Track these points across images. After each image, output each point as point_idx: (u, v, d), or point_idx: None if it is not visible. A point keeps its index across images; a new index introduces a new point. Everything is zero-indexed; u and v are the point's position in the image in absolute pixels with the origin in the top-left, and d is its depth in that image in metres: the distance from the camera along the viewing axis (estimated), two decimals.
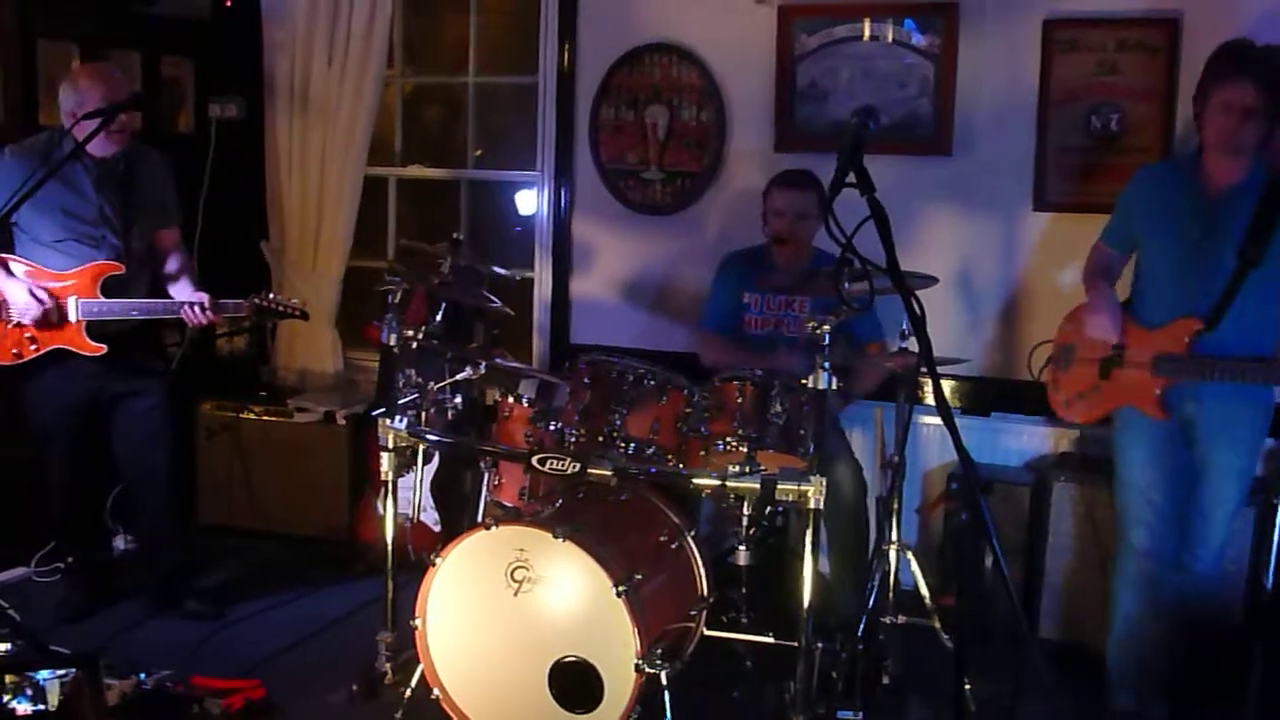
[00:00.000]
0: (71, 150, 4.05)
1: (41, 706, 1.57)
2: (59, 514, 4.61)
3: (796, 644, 3.42)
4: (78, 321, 4.22)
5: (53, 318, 4.17)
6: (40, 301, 4.12)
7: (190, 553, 4.82)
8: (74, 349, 4.24)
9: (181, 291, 4.44)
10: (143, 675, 3.59)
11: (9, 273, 4.18)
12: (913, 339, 3.96)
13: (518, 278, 5.24)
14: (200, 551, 5.01)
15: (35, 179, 3.95)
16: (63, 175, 4.09)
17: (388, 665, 3.87)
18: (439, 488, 4.98)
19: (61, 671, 1.59)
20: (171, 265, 4.51)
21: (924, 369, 2.44)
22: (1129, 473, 3.81)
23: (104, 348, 4.24)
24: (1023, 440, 4.83)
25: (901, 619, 4.04)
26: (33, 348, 4.22)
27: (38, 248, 4.22)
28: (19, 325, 4.18)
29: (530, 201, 5.61)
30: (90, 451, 4.55)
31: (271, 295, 4.48)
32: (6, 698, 1.56)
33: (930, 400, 4.11)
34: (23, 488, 4.71)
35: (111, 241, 4.28)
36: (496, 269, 4.74)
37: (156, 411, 4.50)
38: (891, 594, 4.04)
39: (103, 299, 4.23)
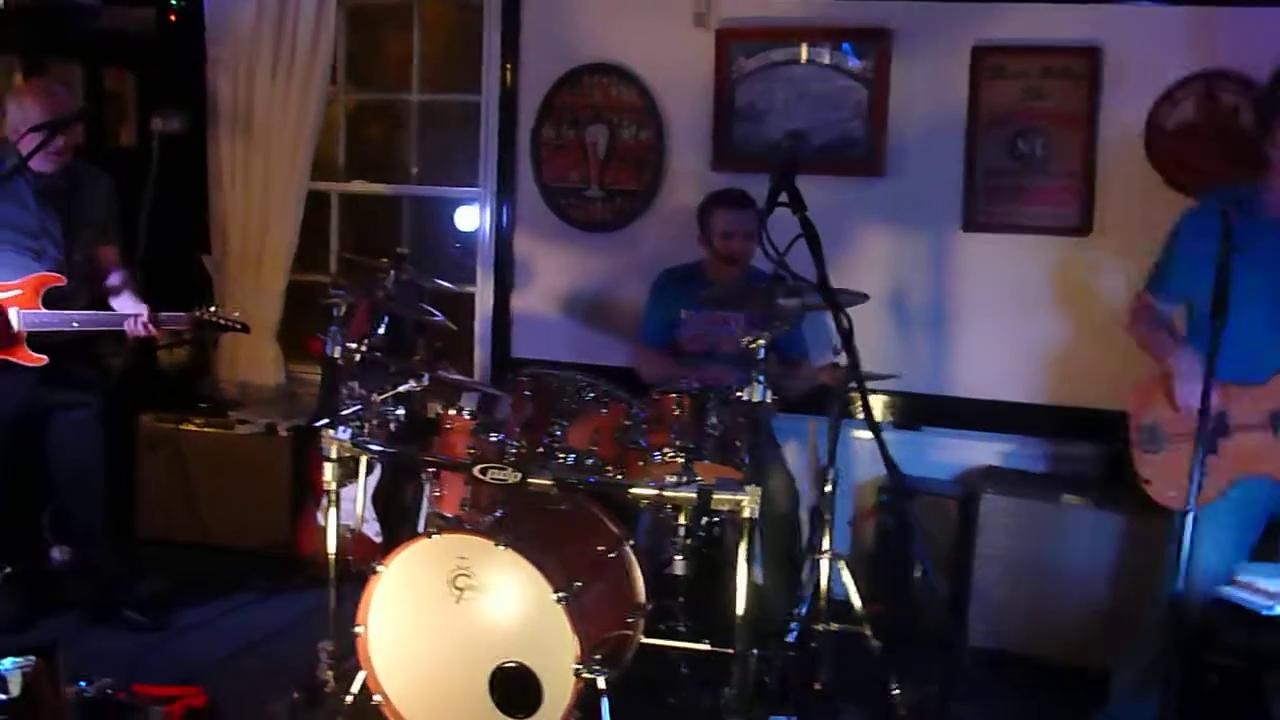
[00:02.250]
0: (13, 166, 4.08)
1: (3, 696, 1.62)
2: None
3: (732, 651, 3.50)
4: (19, 332, 4.22)
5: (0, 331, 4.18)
6: None
7: (129, 563, 4.81)
8: (15, 360, 4.25)
9: (124, 305, 4.46)
10: (83, 684, 3.60)
11: None
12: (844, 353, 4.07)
13: (460, 292, 5.31)
14: (140, 563, 5.01)
15: None
16: (5, 187, 4.13)
17: (329, 673, 3.89)
18: (380, 499, 5.02)
19: (23, 660, 1.64)
20: (114, 279, 4.54)
21: (854, 380, 2.55)
22: (1216, 553, 3.42)
23: (45, 359, 4.26)
24: (951, 454, 4.97)
25: (834, 626, 4.13)
26: None
27: None
28: None
29: (471, 218, 5.67)
30: (25, 463, 4.53)
31: (213, 309, 4.52)
32: None
33: (859, 414, 4.23)
34: None
35: (52, 254, 4.30)
36: (439, 283, 4.80)
37: (93, 423, 4.50)
38: (824, 602, 4.13)
39: (44, 310, 4.24)
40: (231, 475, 5.42)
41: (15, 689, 1.65)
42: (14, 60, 5.15)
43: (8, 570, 4.66)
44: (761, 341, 3.39)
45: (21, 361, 4.25)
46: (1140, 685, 3.65)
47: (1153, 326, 3.59)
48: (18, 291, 4.23)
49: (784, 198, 2.43)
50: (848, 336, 2.34)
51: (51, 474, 4.56)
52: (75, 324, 4.29)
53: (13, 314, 4.21)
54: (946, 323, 4.99)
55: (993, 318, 4.94)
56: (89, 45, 5.52)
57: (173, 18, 5.79)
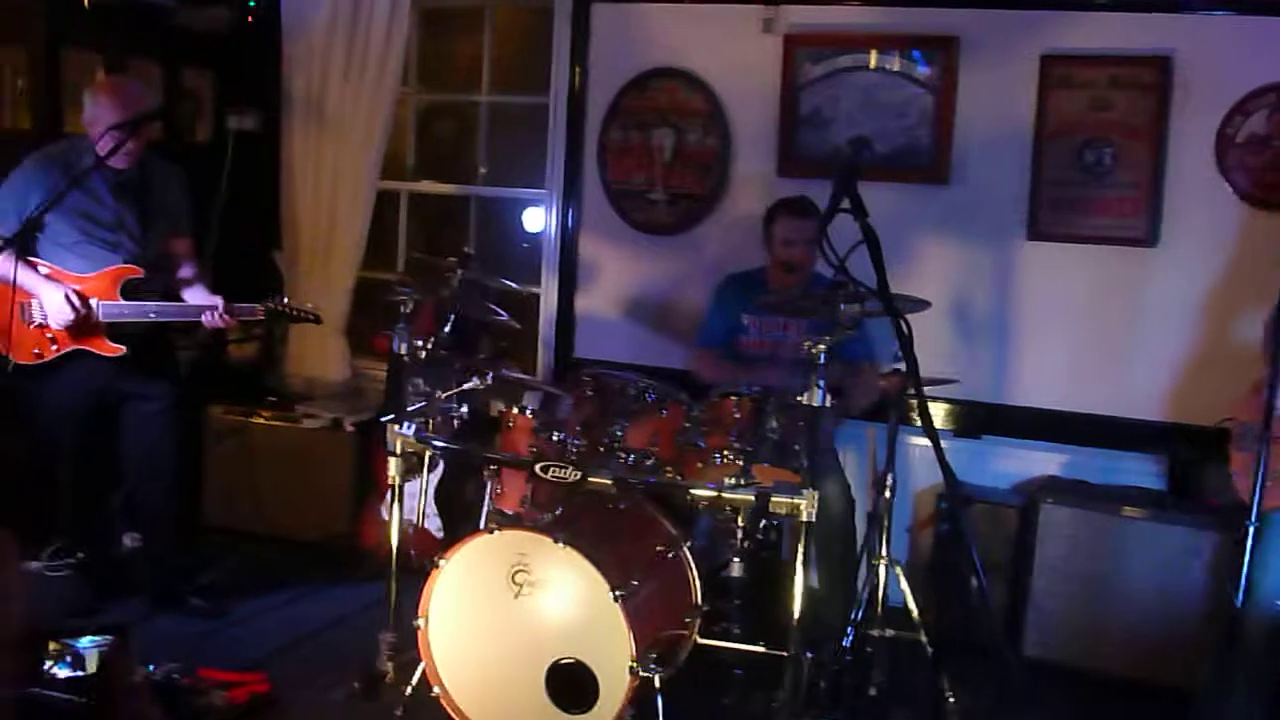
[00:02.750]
0: (93, 164, 4.19)
1: (80, 673, 1.69)
2: (67, 511, 4.70)
3: (785, 654, 3.53)
4: (99, 323, 4.32)
5: (81, 322, 4.27)
6: (74, 308, 4.22)
7: (192, 551, 4.94)
8: (94, 350, 4.35)
9: (196, 297, 4.57)
10: (151, 667, 3.68)
11: (42, 276, 4.28)
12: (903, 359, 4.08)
13: (525, 292, 5.37)
14: (205, 552, 5.12)
15: (56, 186, 4.12)
16: (92, 184, 4.23)
17: (389, 664, 3.97)
18: (442, 495, 5.09)
19: (100, 639, 1.71)
20: (185, 271, 4.64)
21: (915, 387, 2.57)
22: None
23: (124, 349, 4.36)
24: (1012, 463, 4.95)
25: (889, 632, 4.14)
26: (53, 348, 4.32)
27: (56, 249, 4.31)
28: (40, 326, 4.28)
29: (537, 219, 5.73)
30: (98, 450, 4.65)
31: (285, 300, 4.62)
32: (49, 663, 1.67)
33: (919, 421, 4.23)
34: (34, 484, 4.83)
35: (128, 246, 4.39)
36: (504, 282, 4.86)
37: (165, 414, 4.60)
38: (879, 608, 4.15)
39: (123, 301, 4.34)
40: (297, 468, 5.51)
41: (91, 666, 1.71)
42: (95, 58, 5.27)
43: (80, 556, 4.78)
44: (822, 346, 3.42)
45: (100, 351, 4.35)
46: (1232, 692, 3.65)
47: None
48: (97, 283, 4.32)
49: (846, 204, 2.45)
50: (907, 343, 2.36)
51: (122, 461, 4.67)
52: (153, 315, 4.39)
53: (93, 305, 4.31)
54: (1009, 332, 4.97)
55: (1056, 328, 4.91)
56: (168, 44, 5.65)
57: (250, 18, 5.89)
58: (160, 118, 4.41)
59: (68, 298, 4.22)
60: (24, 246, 4.26)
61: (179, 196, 4.63)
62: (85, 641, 1.71)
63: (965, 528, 2.25)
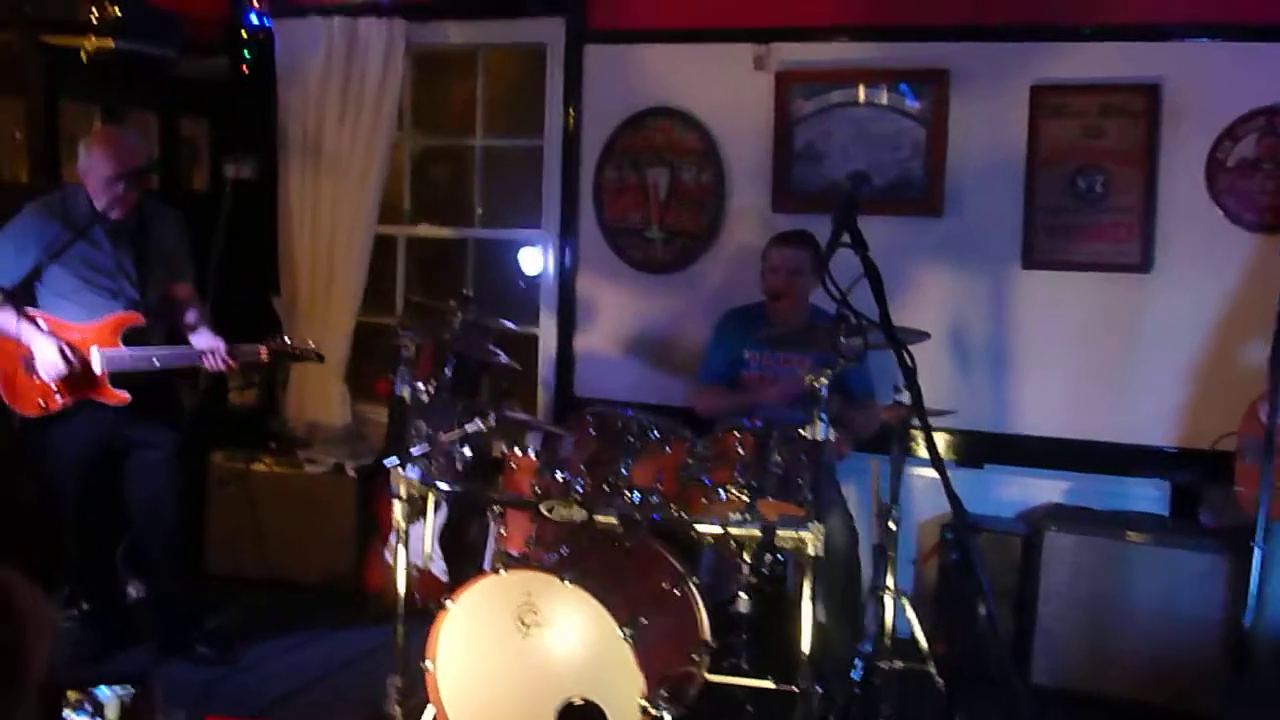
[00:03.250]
0: (92, 216, 4.22)
1: (98, 717, 1.70)
2: (71, 559, 4.69)
3: (795, 688, 3.52)
4: (103, 372, 4.32)
5: (77, 374, 4.27)
6: (68, 360, 4.22)
7: (198, 598, 4.91)
8: (99, 399, 4.35)
9: (200, 340, 4.57)
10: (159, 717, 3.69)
11: (37, 328, 4.28)
12: (906, 392, 4.10)
13: (524, 333, 5.40)
14: (210, 598, 5.11)
15: (53, 236, 4.15)
16: (79, 228, 4.24)
17: (398, 708, 3.94)
18: (446, 538, 5.08)
19: (120, 689, 1.71)
20: (189, 317, 4.64)
21: (917, 418, 2.58)
22: None
23: (129, 396, 4.36)
24: (1014, 491, 4.97)
25: (897, 664, 4.14)
26: (58, 399, 4.32)
27: (55, 299, 4.33)
28: (44, 379, 4.28)
29: (534, 259, 5.76)
30: (102, 499, 4.64)
31: (287, 339, 4.65)
32: (68, 711, 1.68)
33: (924, 452, 4.24)
34: (38, 533, 4.83)
35: (129, 293, 4.40)
36: (504, 323, 4.89)
37: (168, 462, 4.60)
38: (888, 640, 4.15)
39: (124, 349, 4.35)
40: (300, 513, 5.51)
41: (113, 715, 1.72)
42: (93, 109, 5.31)
43: (85, 606, 4.78)
44: (824, 380, 3.43)
45: (105, 400, 4.35)
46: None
47: None
48: (97, 332, 4.33)
49: (846, 238, 2.48)
50: (911, 374, 2.38)
51: (126, 509, 4.67)
52: (155, 361, 4.39)
53: (94, 354, 4.31)
54: (1007, 360, 4.99)
55: (1054, 355, 4.94)
56: (165, 94, 5.69)
57: (245, 68, 5.94)
58: (155, 170, 4.41)
59: (61, 350, 4.22)
60: (22, 297, 4.29)
61: (178, 240, 4.64)
62: (105, 691, 1.71)
63: (974, 557, 2.26)
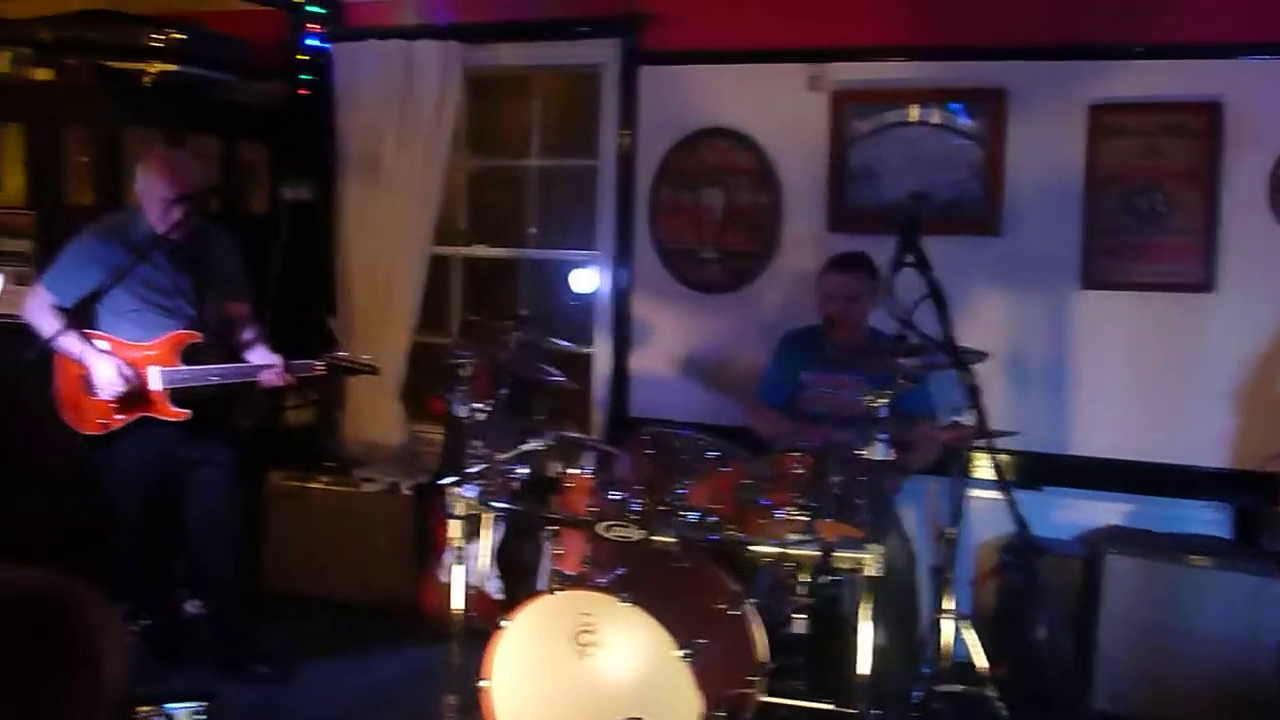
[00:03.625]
0: (151, 239, 4.26)
1: None
2: (131, 577, 4.73)
3: (853, 711, 3.50)
4: (162, 390, 4.38)
5: (135, 392, 4.33)
6: (125, 379, 4.28)
7: (256, 617, 4.94)
8: (158, 416, 4.40)
9: (256, 357, 4.61)
10: None
11: (95, 348, 4.34)
12: (966, 413, 4.08)
13: (578, 352, 5.41)
14: (266, 617, 5.14)
15: (112, 258, 4.20)
16: (139, 250, 4.27)
17: None
18: (501, 557, 5.09)
19: (193, 705, 1.73)
20: (246, 335, 4.69)
21: (980, 439, 2.56)
22: None
23: (188, 413, 4.40)
24: (1074, 514, 4.91)
25: (956, 687, 4.10)
26: (118, 418, 4.38)
27: (114, 319, 4.38)
28: (103, 398, 4.33)
29: (588, 279, 5.77)
30: (162, 517, 4.68)
31: (342, 354, 4.69)
32: None
33: (981, 474, 4.21)
34: (97, 551, 4.88)
35: (186, 311, 4.45)
36: (559, 343, 4.90)
37: (228, 478, 4.65)
38: (946, 663, 4.11)
39: (183, 367, 4.40)
40: (355, 532, 5.54)
41: None
42: (155, 134, 5.38)
43: (143, 623, 4.82)
44: (883, 401, 3.42)
45: (164, 417, 4.40)
46: None
47: None
48: (157, 350, 4.39)
49: (910, 258, 2.46)
50: (975, 394, 2.36)
51: (186, 527, 4.70)
52: (214, 378, 4.43)
53: (153, 372, 4.36)
54: (1066, 381, 4.95)
55: (1114, 376, 4.89)
56: (225, 118, 5.75)
57: (303, 91, 6.01)
58: (213, 193, 4.46)
59: (119, 369, 4.28)
60: (81, 318, 4.33)
61: (234, 261, 4.70)
62: (176, 707, 1.73)
63: (1039, 580, 2.23)
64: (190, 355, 4.43)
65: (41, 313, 4.39)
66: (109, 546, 4.62)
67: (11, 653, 1.37)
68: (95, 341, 4.37)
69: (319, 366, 4.58)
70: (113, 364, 4.29)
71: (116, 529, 4.61)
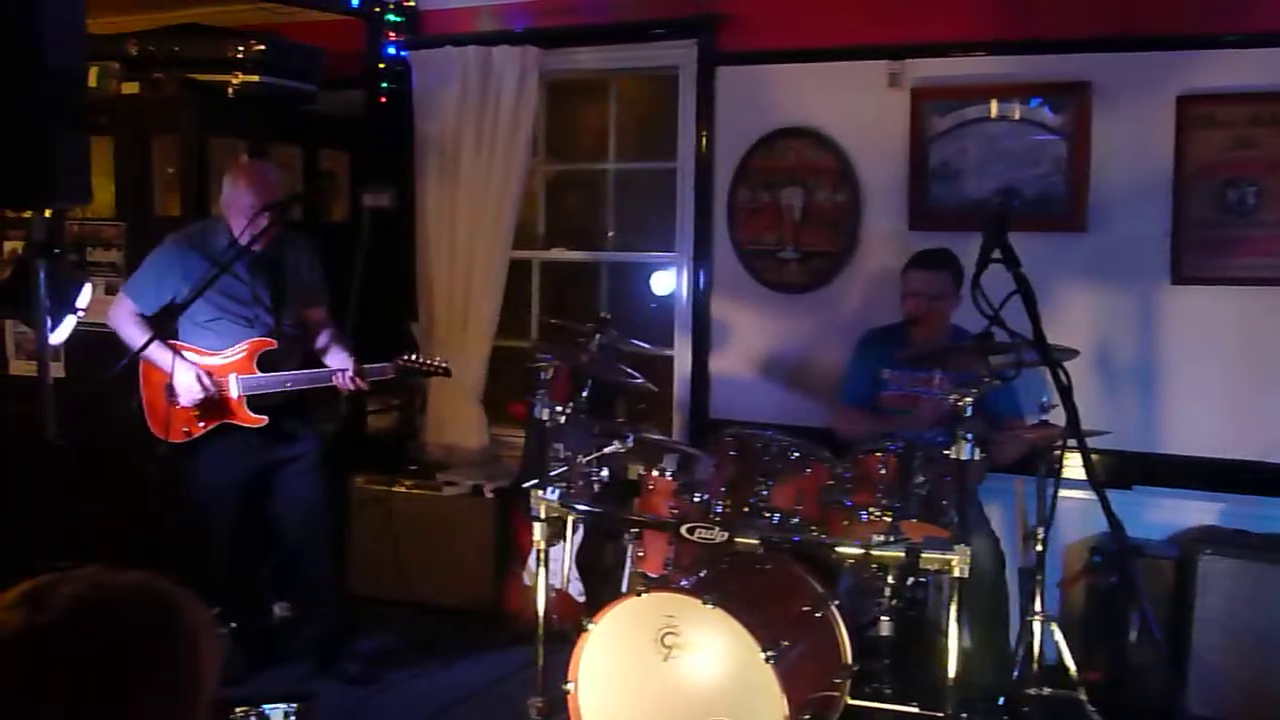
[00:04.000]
0: (233, 249, 4.29)
1: None
2: (222, 580, 4.80)
3: (940, 714, 3.46)
4: (239, 397, 4.46)
5: (215, 400, 4.42)
6: (204, 387, 4.37)
7: (350, 615, 4.99)
8: (238, 422, 4.48)
9: (333, 361, 4.67)
10: None
11: (177, 356, 4.41)
12: (1053, 411, 4.01)
13: (658, 354, 5.41)
14: (352, 620, 5.19)
15: (194, 267, 4.28)
16: (220, 260, 4.30)
17: None
18: (582, 560, 5.10)
19: (286, 706, 1.75)
20: (322, 340, 4.76)
21: (1070, 438, 2.51)
22: None
23: (265, 419, 4.49)
24: (1165, 514, 4.80)
25: (1046, 691, 4.04)
26: (201, 425, 4.47)
27: (195, 328, 4.47)
28: (186, 405, 4.42)
29: (667, 281, 5.77)
30: (250, 520, 4.74)
31: (414, 356, 4.72)
32: None
33: (1069, 473, 4.14)
34: (186, 555, 4.96)
35: (264, 320, 4.53)
36: (639, 345, 4.89)
37: (312, 476, 4.71)
38: (1035, 666, 4.05)
39: (260, 373, 4.48)
40: (438, 535, 5.59)
41: None
42: (240, 144, 5.47)
43: (232, 625, 4.89)
44: (968, 400, 3.38)
45: (243, 423, 4.48)
46: None
47: None
48: (235, 358, 4.47)
49: (997, 254, 2.42)
50: (1066, 393, 2.32)
51: (280, 527, 4.75)
52: (288, 384, 4.51)
53: (231, 380, 4.45)
54: (1157, 378, 4.85)
55: (1206, 372, 4.78)
56: (307, 128, 5.83)
57: (382, 99, 6.07)
58: (297, 202, 4.51)
59: (199, 377, 4.37)
60: (164, 327, 4.40)
61: (311, 267, 4.75)
62: (272, 708, 1.75)
63: (1136, 582, 2.19)
64: (267, 362, 4.51)
65: (126, 321, 4.50)
66: (198, 551, 4.69)
67: (118, 652, 1.38)
68: (183, 353, 4.45)
69: (389, 370, 4.64)
70: (193, 372, 4.38)
71: (207, 534, 4.68)
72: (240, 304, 4.49)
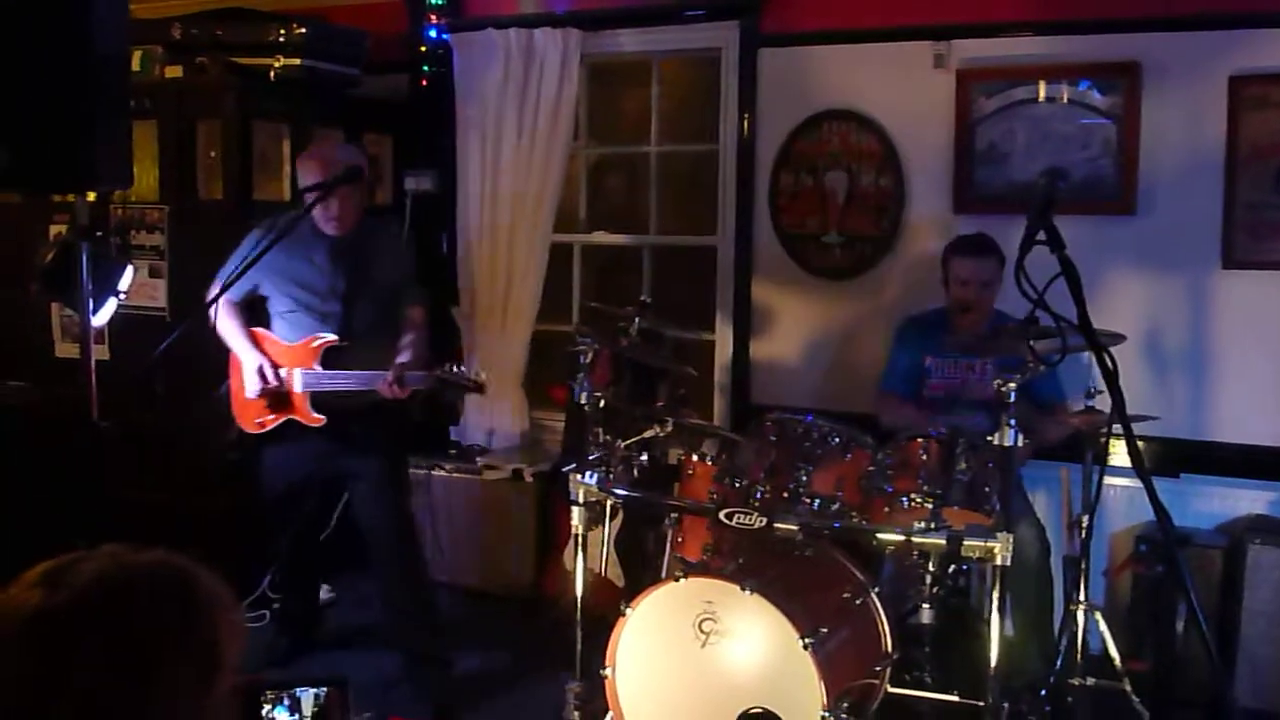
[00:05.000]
0: (294, 217, 4.22)
1: (297, 716, 1.74)
2: (278, 564, 4.80)
3: (982, 704, 3.42)
4: (303, 393, 4.31)
5: (281, 394, 4.29)
6: (264, 379, 4.26)
7: (443, 644, 4.66)
8: (300, 420, 4.34)
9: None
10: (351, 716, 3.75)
11: (247, 345, 4.33)
12: (1099, 397, 3.95)
13: (700, 339, 5.37)
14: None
15: (272, 254, 4.11)
16: (302, 249, 4.27)
17: (576, 714, 3.96)
18: (622, 544, 5.09)
19: (316, 690, 1.76)
20: (403, 341, 4.40)
21: (1116, 425, 2.47)
22: None
23: (322, 419, 4.31)
24: (1214, 502, 4.72)
25: (1090, 681, 3.99)
26: (270, 418, 4.35)
27: (276, 318, 4.37)
28: (257, 397, 4.31)
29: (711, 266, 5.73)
30: (313, 517, 4.72)
31: (452, 367, 4.33)
32: (267, 707, 1.73)
33: (1114, 460, 4.08)
34: (233, 537, 5.00)
35: (336, 314, 4.33)
36: (680, 330, 4.86)
37: (386, 496, 4.50)
38: (1079, 656, 4.00)
39: (320, 370, 4.30)
40: (479, 519, 5.60)
41: (309, 712, 1.77)
42: (282, 127, 5.48)
43: (274, 607, 4.91)
44: (1012, 385, 3.32)
45: (303, 421, 4.33)
46: None
47: None
48: (298, 352, 4.33)
49: (1042, 236, 2.38)
50: (1113, 378, 2.27)
51: (367, 548, 4.56)
52: (341, 384, 4.28)
53: (296, 375, 4.30)
54: (1206, 364, 4.76)
55: (1257, 358, 4.69)
56: (349, 111, 5.84)
57: (424, 82, 6.07)
58: (358, 178, 4.27)
59: (260, 369, 4.27)
60: (247, 313, 4.36)
61: (399, 263, 4.55)
62: (301, 689, 1.76)
63: (1184, 572, 2.14)
64: (330, 359, 4.32)
65: (222, 309, 4.30)
66: (254, 536, 4.70)
67: (138, 629, 1.39)
68: (260, 340, 4.36)
69: (429, 380, 4.28)
70: (256, 362, 4.28)
71: (268, 529, 4.68)
72: (316, 295, 4.34)
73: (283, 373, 4.32)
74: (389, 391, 4.20)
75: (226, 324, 4.33)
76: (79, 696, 1.32)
